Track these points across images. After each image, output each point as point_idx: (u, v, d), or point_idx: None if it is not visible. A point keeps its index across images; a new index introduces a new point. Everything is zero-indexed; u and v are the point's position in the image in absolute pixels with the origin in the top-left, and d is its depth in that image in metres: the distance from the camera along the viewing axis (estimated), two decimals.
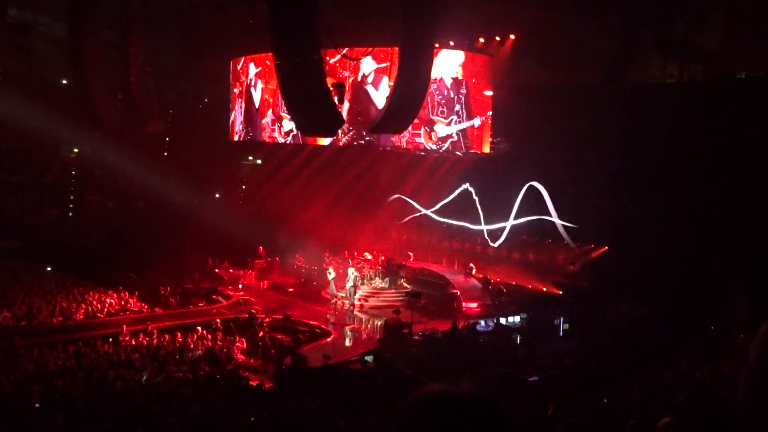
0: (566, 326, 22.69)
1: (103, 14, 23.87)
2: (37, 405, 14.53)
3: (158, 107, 33.23)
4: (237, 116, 29.09)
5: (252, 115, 28.38)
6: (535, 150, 26.72)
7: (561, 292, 24.93)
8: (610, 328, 21.96)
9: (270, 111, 27.53)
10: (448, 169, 29.02)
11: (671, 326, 19.33)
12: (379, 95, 24.00)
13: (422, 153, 27.30)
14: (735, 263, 19.85)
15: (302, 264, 29.17)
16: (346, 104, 22.98)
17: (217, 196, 34.39)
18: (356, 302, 24.74)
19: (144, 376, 17.08)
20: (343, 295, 25.04)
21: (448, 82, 24.80)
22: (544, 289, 25.63)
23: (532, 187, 25.85)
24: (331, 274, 25.45)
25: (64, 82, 31.11)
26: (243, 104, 28.59)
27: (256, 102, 27.95)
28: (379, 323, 21.96)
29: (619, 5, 23.32)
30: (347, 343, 21.45)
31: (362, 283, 26.06)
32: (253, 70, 28.09)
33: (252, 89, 28.09)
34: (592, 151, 26.14)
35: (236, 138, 29.47)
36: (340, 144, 26.20)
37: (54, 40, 29.37)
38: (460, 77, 25.03)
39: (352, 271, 24.99)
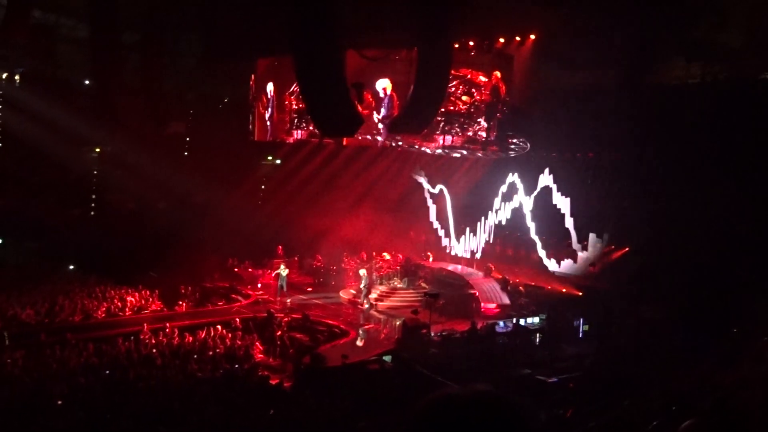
0: (586, 328, 22.54)
1: (125, 16, 24.06)
2: (59, 402, 14.69)
3: (178, 108, 33.51)
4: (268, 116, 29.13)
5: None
6: (556, 150, 26.60)
7: (581, 294, 24.77)
8: (631, 330, 21.77)
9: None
10: (468, 169, 29.00)
11: (693, 329, 19.12)
12: None
13: (443, 153, 27.28)
14: (758, 265, 19.60)
15: (321, 264, 29.24)
16: None
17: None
18: (370, 302, 24.80)
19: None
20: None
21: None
22: (564, 290, 25.48)
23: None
24: (285, 271, 25.97)
25: (87, 82, 31.42)
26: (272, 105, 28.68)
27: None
28: (398, 323, 21.97)
29: (641, 5, 23.11)
30: (359, 342, 21.42)
31: (381, 283, 26.19)
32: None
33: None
34: (614, 151, 25.93)
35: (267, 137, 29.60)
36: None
37: (76, 42, 29.67)
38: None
39: (363, 272, 25.12)
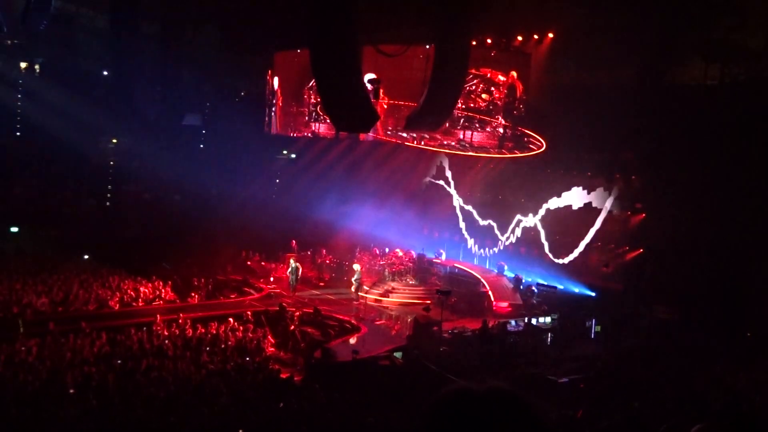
0: (598, 328, 22.43)
1: (144, 7, 24.17)
2: (72, 391, 14.79)
3: (196, 100, 33.66)
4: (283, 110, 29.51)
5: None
6: (572, 149, 26.46)
7: (594, 294, 24.66)
8: (643, 331, 21.66)
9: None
10: (481, 168, 28.91)
11: (706, 331, 19.01)
12: None
13: (457, 151, 27.24)
14: None
15: (328, 260, 29.27)
16: None
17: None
18: (361, 296, 24.87)
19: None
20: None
21: None
22: (577, 290, 25.38)
23: None
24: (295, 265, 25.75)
25: (105, 73, 31.60)
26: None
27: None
28: (409, 320, 21.95)
29: (661, 5, 22.94)
30: (352, 341, 21.28)
31: (393, 280, 26.24)
32: None
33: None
34: (630, 151, 25.79)
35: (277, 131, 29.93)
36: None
37: (95, 32, 29.84)
38: None
39: (357, 267, 25.25)
